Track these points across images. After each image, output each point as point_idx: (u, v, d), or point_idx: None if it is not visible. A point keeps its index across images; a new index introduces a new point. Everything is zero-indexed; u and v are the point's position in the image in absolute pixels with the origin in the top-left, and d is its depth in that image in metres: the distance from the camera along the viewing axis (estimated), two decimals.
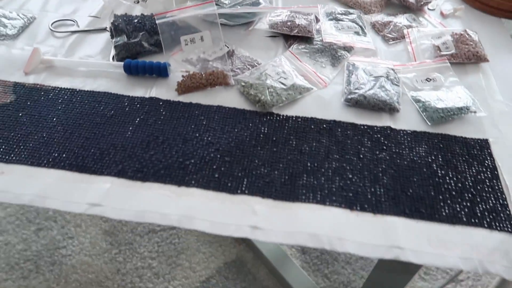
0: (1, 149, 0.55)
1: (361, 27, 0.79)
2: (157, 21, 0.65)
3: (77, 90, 0.64)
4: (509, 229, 0.50)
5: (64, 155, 0.55)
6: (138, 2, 0.74)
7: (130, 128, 0.59)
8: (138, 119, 0.60)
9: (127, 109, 0.62)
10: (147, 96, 0.64)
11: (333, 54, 0.73)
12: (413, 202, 0.52)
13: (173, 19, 0.65)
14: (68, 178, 0.53)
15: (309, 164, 0.56)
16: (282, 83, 0.65)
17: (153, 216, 0.49)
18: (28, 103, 0.62)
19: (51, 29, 0.75)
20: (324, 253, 1.23)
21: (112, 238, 1.24)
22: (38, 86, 0.65)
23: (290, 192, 0.53)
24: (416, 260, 0.47)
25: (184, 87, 0.65)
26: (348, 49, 0.74)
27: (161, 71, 0.66)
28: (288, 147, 0.58)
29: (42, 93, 0.64)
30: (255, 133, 0.60)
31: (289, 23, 0.76)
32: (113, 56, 0.70)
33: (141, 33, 0.70)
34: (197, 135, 0.59)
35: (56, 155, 0.55)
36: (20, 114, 0.60)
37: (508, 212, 0.51)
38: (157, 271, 1.17)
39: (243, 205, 0.51)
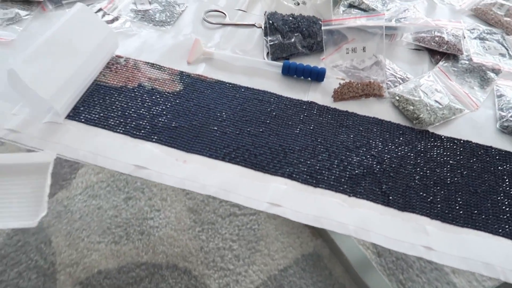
0: (182, 137, 0.59)
1: (506, 48, 0.78)
2: (323, 27, 0.66)
3: (238, 85, 0.67)
4: None
5: (238, 151, 0.58)
6: (298, 4, 0.75)
7: (295, 131, 0.62)
8: (300, 122, 0.63)
9: (289, 111, 0.64)
10: (304, 99, 0.66)
11: (482, 75, 0.72)
12: None
13: (339, 27, 0.66)
14: (245, 174, 0.56)
15: (471, 189, 0.57)
16: (438, 102, 0.66)
17: (330, 223, 0.52)
18: (195, 94, 0.65)
19: (205, 20, 0.78)
20: (399, 258, 1.25)
21: (196, 216, 1.30)
22: (202, 77, 0.68)
23: (458, 216, 0.54)
24: None
25: (341, 95, 0.66)
26: (496, 71, 0.73)
27: (318, 76, 0.67)
28: (447, 168, 0.59)
29: (207, 85, 0.67)
30: (414, 151, 0.61)
31: (437, 38, 0.75)
32: (266, 53, 0.72)
33: (295, 35, 0.72)
34: (358, 145, 0.61)
35: (230, 149, 0.58)
36: (191, 105, 0.63)
37: None
38: (238, 254, 1.22)
39: (413, 223, 0.53)
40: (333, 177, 0.57)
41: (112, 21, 0.75)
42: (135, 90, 0.65)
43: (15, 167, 0.54)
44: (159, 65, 0.69)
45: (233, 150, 0.58)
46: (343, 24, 0.66)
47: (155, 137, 0.59)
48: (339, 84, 0.67)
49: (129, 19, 0.76)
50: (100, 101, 0.63)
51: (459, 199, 0.56)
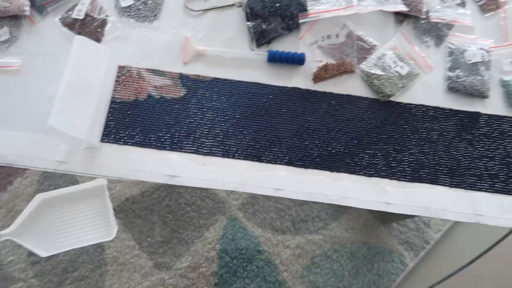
0: (197, 143, 0.73)
1: None
2: (301, 21, 0.74)
3: (232, 81, 0.78)
4: None
5: (243, 147, 0.74)
6: None
7: (285, 119, 0.76)
8: (288, 110, 0.77)
9: (277, 100, 0.77)
10: (289, 86, 0.78)
11: (437, 33, 0.83)
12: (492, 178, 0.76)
13: (316, 20, 0.74)
14: (254, 167, 0.73)
15: (419, 149, 0.77)
16: (398, 72, 0.79)
17: (319, 197, 0.73)
18: (198, 96, 0.76)
19: (188, 8, 0.81)
20: None
21: None
22: (200, 77, 0.78)
23: (409, 173, 0.75)
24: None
25: (319, 77, 0.78)
26: (449, 26, 0.84)
27: (299, 61, 0.78)
28: (405, 134, 0.77)
29: (206, 85, 0.77)
30: (379, 122, 0.78)
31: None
32: (251, 38, 0.80)
33: (275, 18, 0.79)
34: (336, 124, 0.77)
35: (238, 147, 0.74)
36: (197, 108, 0.76)
37: None
38: None
39: (376, 186, 0.74)
40: (318, 158, 0.75)
41: (101, 26, 0.78)
42: (147, 102, 0.75)
43: (78, 194, 0.70)
44: (159, 71, 0.77)
45: (240, 148, 0.74)
46: (320, 17, 0.74)
47: (176, 147, 0.73)
48: (317, 67, 0.78)
49: (117, 20, 0.79)
50: (121, 118, 0.74)
51: (411, 158, 0.76)
